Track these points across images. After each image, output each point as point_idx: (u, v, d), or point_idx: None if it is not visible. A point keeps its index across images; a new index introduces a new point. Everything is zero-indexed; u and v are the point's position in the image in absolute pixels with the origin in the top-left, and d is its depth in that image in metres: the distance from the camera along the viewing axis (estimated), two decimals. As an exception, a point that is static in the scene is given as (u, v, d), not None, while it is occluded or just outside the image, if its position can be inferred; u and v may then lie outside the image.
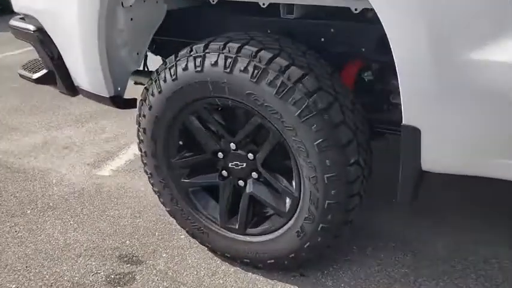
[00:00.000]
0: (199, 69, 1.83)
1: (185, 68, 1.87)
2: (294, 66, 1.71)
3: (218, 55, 1.78)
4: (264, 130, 1.89)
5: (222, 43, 1.80)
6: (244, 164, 2.04)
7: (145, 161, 2.25)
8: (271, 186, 2.02)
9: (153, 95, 2.02)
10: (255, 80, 1.72)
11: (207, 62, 1.81)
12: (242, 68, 1.73)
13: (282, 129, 1.76)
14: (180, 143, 2.15)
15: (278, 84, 1.68)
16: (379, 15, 1.48)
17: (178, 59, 1.91)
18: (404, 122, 1.54)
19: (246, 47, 1.76)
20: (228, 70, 1.76)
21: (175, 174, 2.21)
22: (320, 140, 1.68)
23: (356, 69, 2.26)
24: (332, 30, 2.05)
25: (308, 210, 1.85)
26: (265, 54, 1.72)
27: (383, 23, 1.47)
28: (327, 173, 1.73)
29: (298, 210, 1.90)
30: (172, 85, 1.93)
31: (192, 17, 2.34)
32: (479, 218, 2.44)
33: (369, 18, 1.87)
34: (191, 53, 1.87)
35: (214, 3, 2.13)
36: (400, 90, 1.52)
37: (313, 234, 1.88)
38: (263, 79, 1.70)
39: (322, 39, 2.07)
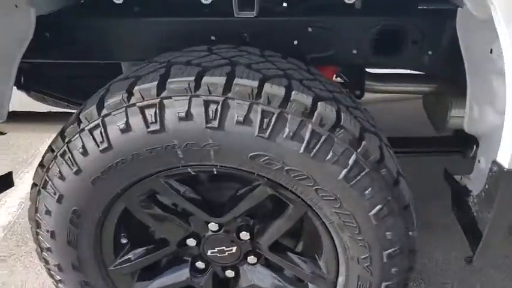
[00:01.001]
0: (155, 127, 1.05)
1: (125, 128, 1.07)
2: (321, 102, 1.07)
3: (190, 101, 1.04)
4: (273, 203, 1.23)
5: (191, 78, 1.05)
6: (234, 248, 1.34)
7: (59, 278, 1.36)
8: (281, 271, 1.38)
9: (61, 177, 1.16)
10: (266, 135, 1.03)
11: (170, 114, 1.05)
12: (240, 118, 1.03)
13: (313, 200, 1.13)
14: (123, 240, 1.33)
15: (307, 136, 1.04)
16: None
17: (107, 112, 1.08)
18: (507, 166, 1.06)
19: (238, 80, 1.05)
20: (215, 124, 1.03)
21: (116, 285, 1.39)
22: (379, 208, 1.11)
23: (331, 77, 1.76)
24: (310, 29, 1.47)
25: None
26: (275, 90, 1.05)
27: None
28: (387, 248, 1.17)
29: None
30: (100, 159, 1.11)
31: (78, 27, 1.47)
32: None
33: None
34: (131, 100, 1.07)
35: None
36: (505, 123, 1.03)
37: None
38: (279, 131, 1.03)
39: (295, 42, 1.49)
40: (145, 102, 1.05)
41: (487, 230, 1.15)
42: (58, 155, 1.14)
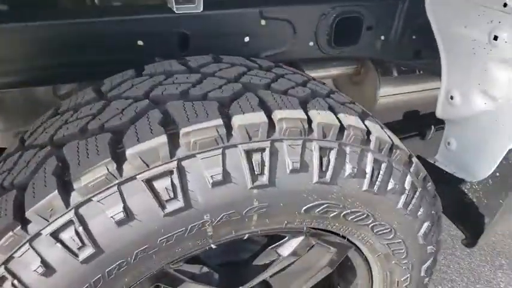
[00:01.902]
0: (177, 205, 0.68)
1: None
2: (368, 121, 0.86)
3: (223, 155, 0.70)
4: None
5: (219, 122, 0.70)
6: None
7: None
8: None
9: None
10: (326, 179, 0.77)
11: (195, 182, 0.69)
12: (295, 164, 0.74)
13: (364, 237, 0.93)
14: None
15: (369, 169, 0.82)
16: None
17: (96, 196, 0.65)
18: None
19: (279, 113, 0.75)
20: (263, 181, 0.72)
21: None
22: (427, 225, 0.99)
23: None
24: (263, 22, 1.25)
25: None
26: (327, 117, 0.79)
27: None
28: (425, 262, 1.08)
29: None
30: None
31: None
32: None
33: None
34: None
35: None
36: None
37: None
38: (340, 170, 0.79)
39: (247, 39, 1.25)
40: (153, 172, 0.66)
41: (497, 214, 1.16)
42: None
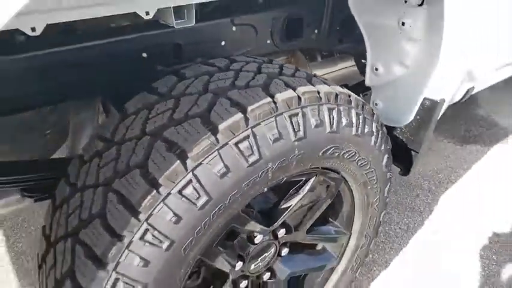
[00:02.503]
0: (254, 158, 1.00)
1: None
2: (346, 90, 1.26)
3: (276, 121, 1.03)
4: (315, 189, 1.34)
5: (268, 100, 1.03)
6: (272, 249, 1.40)
7: None
8: (307, 248, 1.53)
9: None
10: (333, 129, 1.15)
11: (263, 141, 1.01)
12: (317, 121, 1.11)
13: (352, 170, 1.34)
14: None
15: (354, 120, 1.22)
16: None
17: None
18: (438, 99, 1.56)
19: (302, 88, 1.10)
20: (301, 134, 1.07)
21: None
22: (387, 155, 1.43)
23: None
24: (234, 28, 1.58)
25: (365, 237, 1.60)
26: (327, 88, 1.16)
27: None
28: (387, 184, 1.53)
29: (350, 246, 1.59)
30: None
31: None
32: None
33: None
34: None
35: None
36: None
37: (366, 252, 1.67)
38: (340, 123, 1.18)
39: (223, 43, 1.57)
40: (237, 138, 0.96)
41: (423, 146, 1.66)
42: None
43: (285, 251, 1.43)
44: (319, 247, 1.60)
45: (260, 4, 1.65)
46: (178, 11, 1.24)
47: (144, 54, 1.41)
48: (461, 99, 2.04)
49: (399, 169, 1.80)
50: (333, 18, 1.85)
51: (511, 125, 3.38)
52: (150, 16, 1.14)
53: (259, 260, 1.35)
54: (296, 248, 1.50)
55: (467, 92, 2.02)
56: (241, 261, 1.27)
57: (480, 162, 2.91)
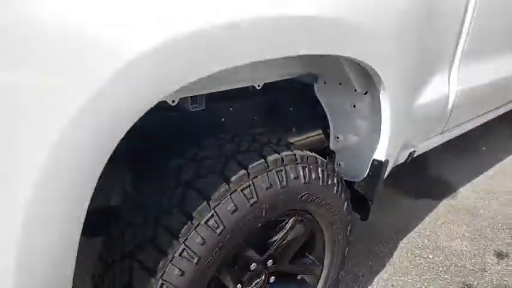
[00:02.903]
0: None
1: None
2: (313, 153, 1.78)
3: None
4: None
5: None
6: (263, 277, 1.82)
7: None
8: (289, 277, 1.95)
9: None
10: (307, 181, 1.65)
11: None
12: (297, 174, 1.61)
13: (322, 214, 1.82)
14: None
15: (320, 174, 1.73)
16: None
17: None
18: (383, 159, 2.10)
19: (285, 153, 1.61)
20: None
21: None
22: (347, 202, 1.93)
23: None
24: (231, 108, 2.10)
25: (334, 269, 2.04)
26: (302, 152, 1.68)
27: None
28: (348, 225, 2.00)
29: (323, 276, 2.03)
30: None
31: None
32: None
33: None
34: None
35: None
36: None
37: (336, 283, 2.10)
38: (311, 176, 1.68)
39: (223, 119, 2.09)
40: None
41: (375, 197, 2.17)
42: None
43: (272, 279, 1.85)
44: (299, 277, 2.02)
45: (253, 91, 2.19)
46: (195, 98, 1.75)
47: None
48: (406, 160, 2.61)
49: (359, 216, 2.29)
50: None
51: (457, 182, 3.99)
52: (175, 103, 1.64)
53: (253, 284, 1.77)
54: (281, 276, 1.92)
55: (410, 154, 2.59)
56: (240, 284, 1.68)
57: (432, 214, 3.45)
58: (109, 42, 0.94)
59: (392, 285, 2.67)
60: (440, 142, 2.98)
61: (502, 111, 3.77)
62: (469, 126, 3.32)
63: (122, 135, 1.03)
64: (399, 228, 3.21)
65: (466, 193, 3.81)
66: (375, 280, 2.71)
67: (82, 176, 0.96)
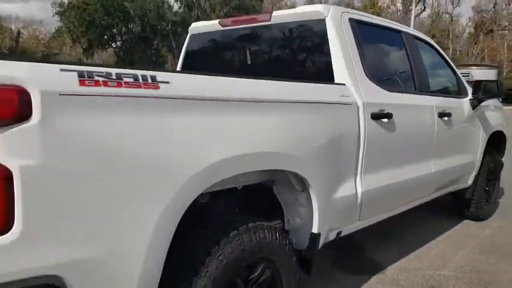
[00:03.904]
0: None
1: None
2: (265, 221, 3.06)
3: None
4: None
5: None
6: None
7: None
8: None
9: None
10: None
11: (245, 242, 2.73)
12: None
13: (279, 263, 3.02)
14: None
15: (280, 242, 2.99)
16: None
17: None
18: (316, 231, 3.39)
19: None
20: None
21: None
22: (295, 258, 3.16)
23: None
24: None
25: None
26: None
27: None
28: (297, 275, 3.19)
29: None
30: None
31: None
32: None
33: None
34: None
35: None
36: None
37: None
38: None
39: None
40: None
41: (314, 257, 3.39)
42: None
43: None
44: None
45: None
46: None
47: None
48: (336, 238, 3.88)
49: (305, 272, 3.46)
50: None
51: (381, 259, 5.19)
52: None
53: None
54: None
55: (338, 234, 3.87)
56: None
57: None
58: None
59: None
60: (361, 227, 4.27)
61: (416, 203, 5.11)
62: (385, 216, 4.67)
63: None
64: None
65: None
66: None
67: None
